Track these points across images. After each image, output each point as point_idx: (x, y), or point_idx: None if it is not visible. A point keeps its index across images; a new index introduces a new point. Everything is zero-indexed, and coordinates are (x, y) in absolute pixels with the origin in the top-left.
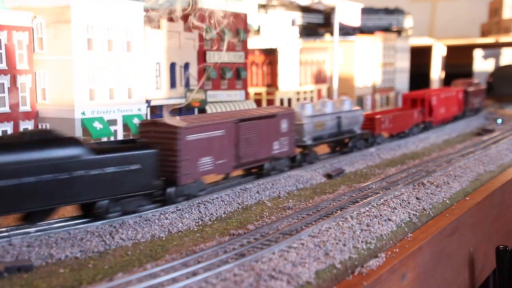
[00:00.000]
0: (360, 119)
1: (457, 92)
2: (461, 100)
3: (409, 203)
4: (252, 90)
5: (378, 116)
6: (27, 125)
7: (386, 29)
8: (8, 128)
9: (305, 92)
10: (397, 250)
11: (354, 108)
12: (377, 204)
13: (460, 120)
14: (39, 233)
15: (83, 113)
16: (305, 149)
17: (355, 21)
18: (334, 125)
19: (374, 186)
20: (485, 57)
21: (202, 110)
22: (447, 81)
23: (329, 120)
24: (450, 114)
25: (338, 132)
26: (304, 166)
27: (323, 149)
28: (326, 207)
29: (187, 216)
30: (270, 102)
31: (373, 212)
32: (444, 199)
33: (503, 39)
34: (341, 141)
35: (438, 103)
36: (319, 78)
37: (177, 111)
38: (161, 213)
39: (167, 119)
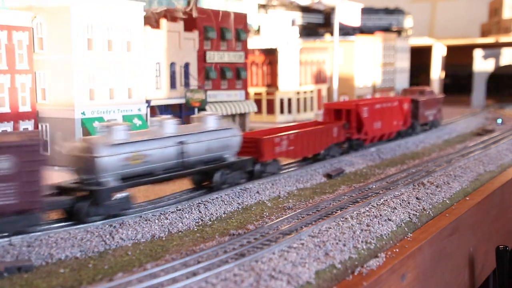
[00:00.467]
0: (233, 141)
1: (401, 102)
2: (407, 112)
3: (409, 203)
4: (252, 90)
5: (267, 137)
6: (27, 125)
7: (386, 29)
8: (8, 128)
9: (305, 92)
10: (397, 250)
11: (222, 127)
12: (377, 204)
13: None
14: (39, 233)
15: (83, 113)
16: (94, 195)
17: (355, 21)
18: (171, 155)
19: (374, 186)
20: (485, 57)
21: (202, 110)
22: (448, 81)
23: (159, 148)
24: (391, 129)
25: (183, 164)
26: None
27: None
28: (326, 207)
29: (187, 216)
30: (270, 101)
31: (373, 212)
32: (444, 199)
33: (503, 39)
34: (207, 174)
35: (371, 116)
36: (319, 78)
37: (177, 111)
38: (161, 213)
39: None
